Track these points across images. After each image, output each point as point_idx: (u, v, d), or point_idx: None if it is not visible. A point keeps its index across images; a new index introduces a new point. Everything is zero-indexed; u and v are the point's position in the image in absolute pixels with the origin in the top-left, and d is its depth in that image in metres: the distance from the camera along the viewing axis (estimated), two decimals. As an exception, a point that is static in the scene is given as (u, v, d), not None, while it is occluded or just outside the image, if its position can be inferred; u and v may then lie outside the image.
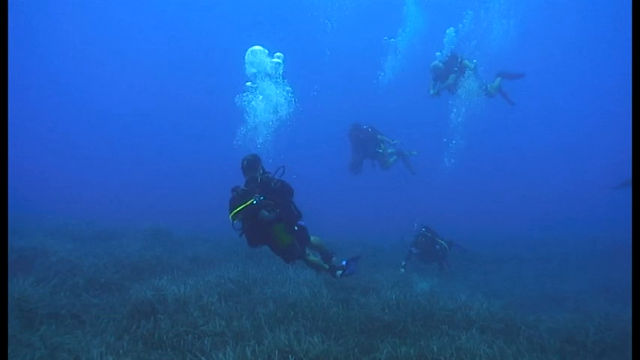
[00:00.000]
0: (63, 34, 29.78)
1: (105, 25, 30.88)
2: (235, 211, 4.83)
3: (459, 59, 9.19)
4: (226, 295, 6.23)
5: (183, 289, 5.90)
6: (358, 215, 20.73)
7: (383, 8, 20.79)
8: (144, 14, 30.55)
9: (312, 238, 5.52)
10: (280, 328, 4.93)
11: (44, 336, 4.47)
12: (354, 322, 5.32)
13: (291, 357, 4.09)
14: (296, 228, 5.21)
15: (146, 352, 4.35)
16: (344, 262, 5.98)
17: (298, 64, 10.40)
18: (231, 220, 4.92)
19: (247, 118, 7.13)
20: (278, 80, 7.05)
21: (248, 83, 7.17)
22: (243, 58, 6.93)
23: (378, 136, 9.85)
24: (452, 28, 10.09)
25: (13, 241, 7.39)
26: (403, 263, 8.90)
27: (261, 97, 7.04)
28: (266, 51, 6.93)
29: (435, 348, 4.28)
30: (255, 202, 4.81)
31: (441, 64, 9.17)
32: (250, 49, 6.85)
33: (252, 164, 5.13)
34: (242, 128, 7.15)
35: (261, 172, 5.15)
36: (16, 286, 5.32)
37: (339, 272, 5.88)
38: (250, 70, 6.88)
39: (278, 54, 7.07)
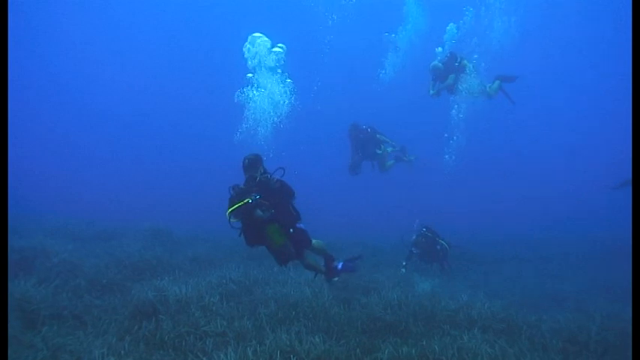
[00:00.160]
0: (63, 34, 29.78)
1: (105, 25, 30.88)
2: (231, 209, 4.83)
3: (459, 59, 9.19)
4: (228, 295, 6.22)
5: (185, 289, 5.90)
6: (358, 215, 20.76)
7: (383, 6, 20.79)
8: (143, 14, 30.55)
9: (313, 241, 5.49)
10: (282, 328, 4.93)
11: (46, 337, 4.46)
12: (355, 322, 5.31)
13: (293, 357, 4.09)
14: (292, 230, 5.16)
15: (148, 352, 4.35)
16: (340, 266, 5.90)
17: (298, 63, 10.40)
18: (227, 218, 4.91)
19: (247, 113, 7.14)
20: (278, 72, 7.07)
21: (249, 75, 7.18)
22: (243, 51, 6.96)
23: (378, 136, 9.86)
24: (453, 24, 10.06)
25: (14, 242, 7.37)
26: (404, 263, 8.89)
27: (262, 90, 7.05)
28: (269, 41, 6.96)
29: (436, 348, 4.28)
30: (250, 200, 4.81)
31: (440, 64, 9.15)
32: (251, 35, 6.89)
33: (253, 163, 5.14)
34: (243, 125, 7.16)
35: (261, 171, 5.14)
36: (17, 287, 5.31)
37: (335, 279, 5.85)
38: (252, 51, 6.88)
39: (280, 44, 7.09)
